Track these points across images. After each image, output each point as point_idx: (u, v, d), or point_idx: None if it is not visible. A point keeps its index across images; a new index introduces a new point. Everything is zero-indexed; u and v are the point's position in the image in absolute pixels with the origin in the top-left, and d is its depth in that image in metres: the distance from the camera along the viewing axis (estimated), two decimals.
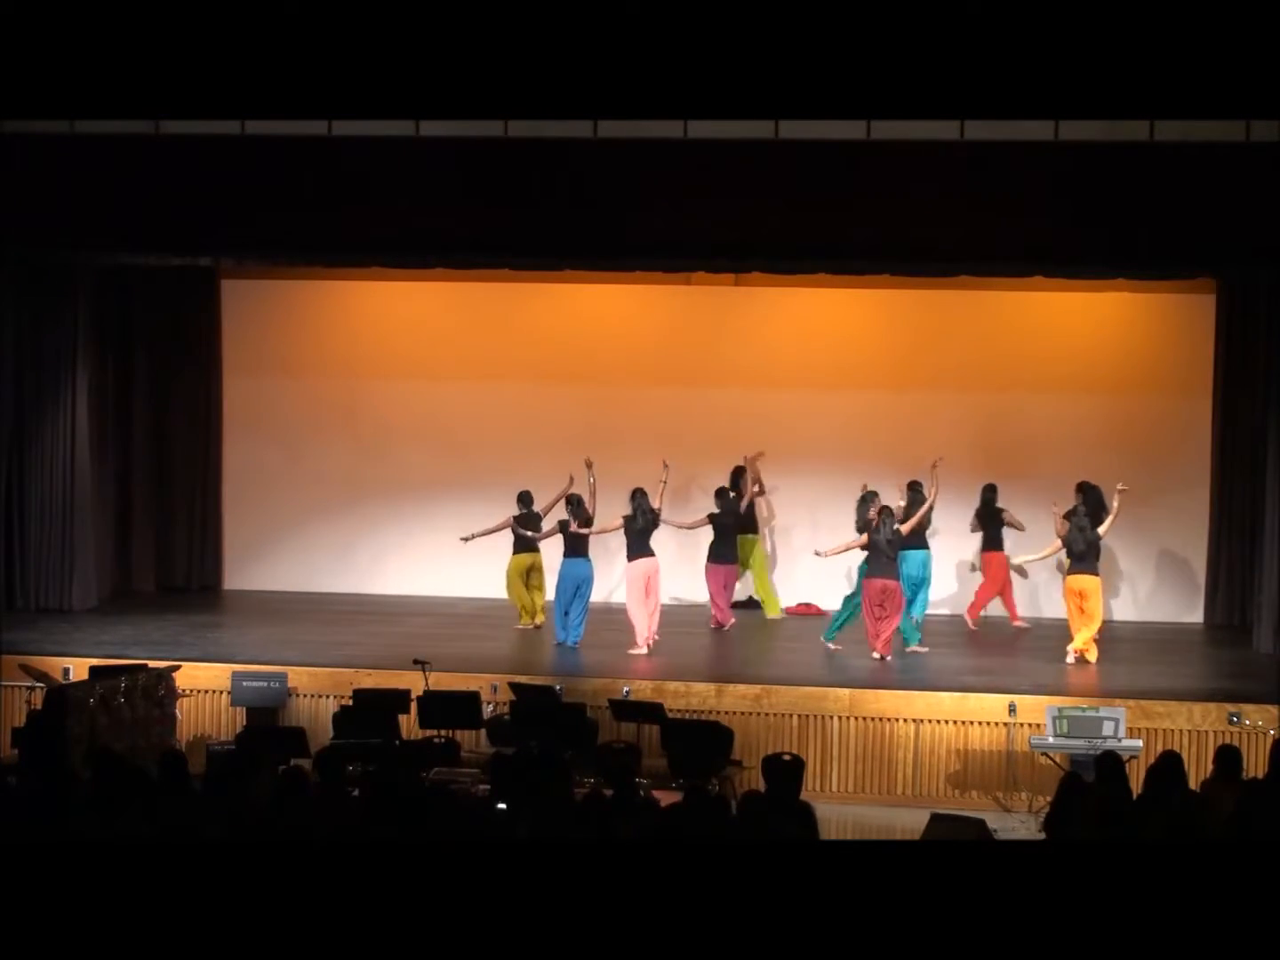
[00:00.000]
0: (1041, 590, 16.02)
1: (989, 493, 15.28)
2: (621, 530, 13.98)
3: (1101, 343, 16.33)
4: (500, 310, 16.82)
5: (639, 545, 13.80)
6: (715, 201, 12.88)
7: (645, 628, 13.59)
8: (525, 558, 14.90)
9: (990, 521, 15.27)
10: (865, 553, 13.54)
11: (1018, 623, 15.38)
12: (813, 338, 16.63)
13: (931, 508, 14.32)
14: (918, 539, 14.47)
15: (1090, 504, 14.39)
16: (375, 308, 17.10)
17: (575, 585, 13.99)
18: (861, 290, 16.14)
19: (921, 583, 14.54)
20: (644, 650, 13.51)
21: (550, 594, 14.89)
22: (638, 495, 13.86)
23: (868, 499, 14.09)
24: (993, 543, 15.29)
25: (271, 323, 17.18)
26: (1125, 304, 16.13)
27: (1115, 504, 13.66)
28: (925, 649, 13.94)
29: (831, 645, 13.83)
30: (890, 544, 13.49)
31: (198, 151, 13.02)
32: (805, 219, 12.83)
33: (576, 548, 14.17)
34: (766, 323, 16.65)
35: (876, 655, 13.37)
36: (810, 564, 14.19)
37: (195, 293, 16.89)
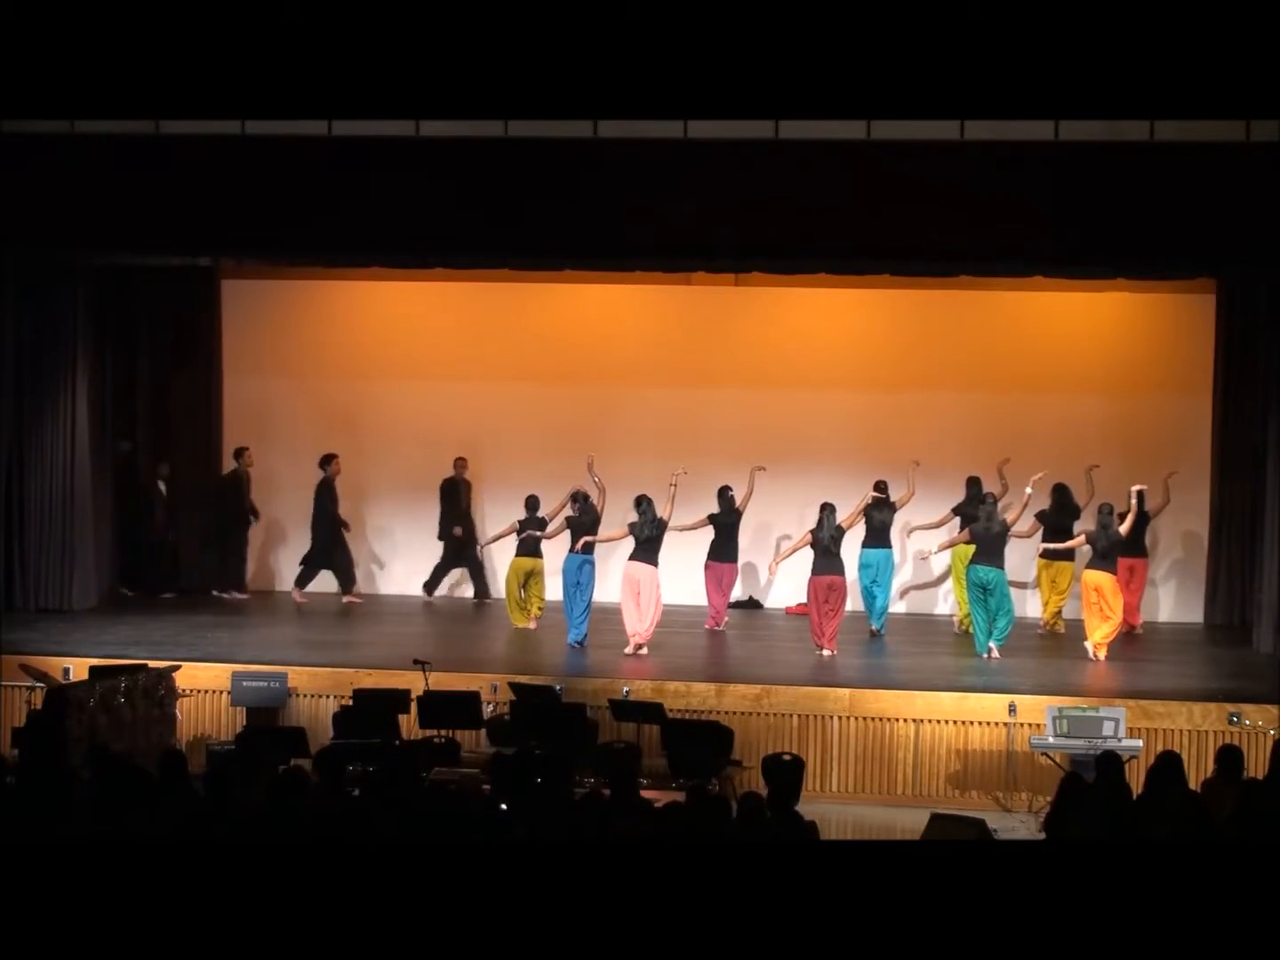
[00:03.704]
0: (1029, 591, 15.96)
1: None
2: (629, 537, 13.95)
3: (1101, 343, 16.32)
4: (500, 310, 16.81)
5: (640, 552, 13.74)
6: (715, 201, 12.87)
7: (632, 627, 13.55)
8: (526, 561, 14.83)
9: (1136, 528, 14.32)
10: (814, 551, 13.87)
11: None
12: (813, 338, 16.62)
13: (895, 506, 14.88)
14: (879, 538, 14.79)
15: (1054, 505, 14.69)
16: (375, 308, 17.09)
17: (575, 578, 13.97)
18: (862, 290, 16.14)
19: (883, 580, 14.83)
20: (631, 650, 13.48)
21: (552, 595, 14.88)
22: (643, 503, 13.79)
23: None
24: (1133, 548, 14.66)
25: (271, 323, 17.17)
26: (1125, 304, 16.12)
27: (1132, 503, 13.84)
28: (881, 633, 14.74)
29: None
30: (833, 540, 13.73)
31: (198, 151, 13.00)
32: (805, 219, 12.82)
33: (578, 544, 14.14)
34: (767, 323, 16.64)
35: (825, 652, 13.56)
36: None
37: (195, 293, 16.86)
